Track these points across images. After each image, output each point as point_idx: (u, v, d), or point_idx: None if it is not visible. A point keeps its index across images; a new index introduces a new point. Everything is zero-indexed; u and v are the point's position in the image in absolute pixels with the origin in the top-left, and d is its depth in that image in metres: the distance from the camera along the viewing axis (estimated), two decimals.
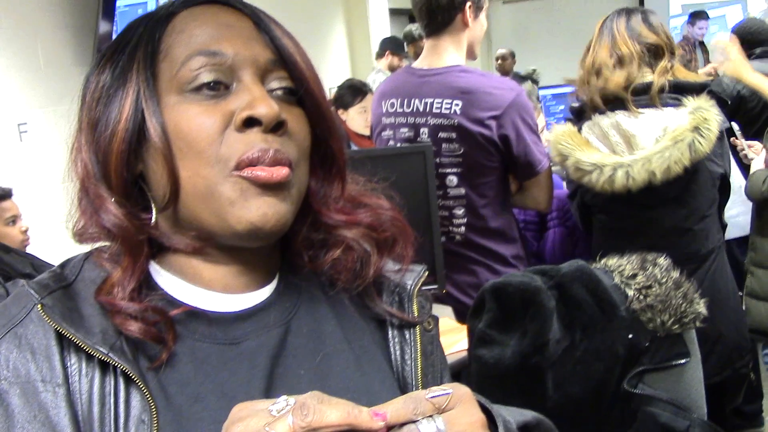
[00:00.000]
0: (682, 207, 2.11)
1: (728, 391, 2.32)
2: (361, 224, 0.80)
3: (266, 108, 0.68)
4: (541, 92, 4.68)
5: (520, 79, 6.32)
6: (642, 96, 2.06)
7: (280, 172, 0.68)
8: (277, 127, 0.70)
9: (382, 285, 0.83)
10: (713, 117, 1.96)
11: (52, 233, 3.49)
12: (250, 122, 0.69)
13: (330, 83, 6.70)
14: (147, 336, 0.68)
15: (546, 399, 1.21)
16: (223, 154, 0.68)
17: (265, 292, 0.77)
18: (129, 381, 0.66)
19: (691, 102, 2.00)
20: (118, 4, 4.08)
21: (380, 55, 5.92)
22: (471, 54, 2.21)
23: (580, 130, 2.15)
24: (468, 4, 2.13)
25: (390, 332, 0.82)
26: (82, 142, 0.73)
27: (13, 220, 2.66)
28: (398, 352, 0.81)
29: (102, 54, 0.75)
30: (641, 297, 1.23)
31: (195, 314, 0.73)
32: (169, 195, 0.70)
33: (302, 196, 0.75)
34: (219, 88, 0.70)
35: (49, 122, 3.94)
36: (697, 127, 1.94)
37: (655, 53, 2.09)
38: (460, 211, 2.15)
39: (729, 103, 3.58)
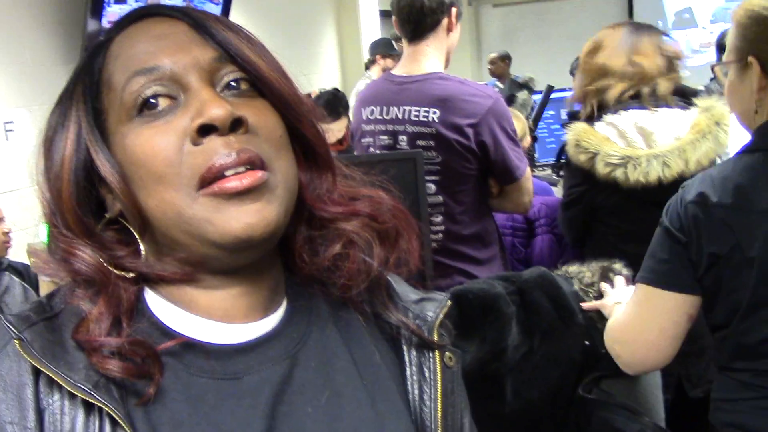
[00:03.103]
0: None
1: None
2: (361, 214, 0.74)
3: (217, 109, 0.62)
4: (533, 97, 4.70)
5: (518, 86, 6.31)
6: (651, 97, 2.10)
7: (251, 176, 0.63)
8: (235, 126, 0.64)
9: (399, 312, 0.76)
10: (728, 114, 2.00)
11: (35, 235, 3.51)
12: (205, 130, 0.63)
13: (321, 86, 6.74)
14: (127, 373, 0.62)
15: (505, 404, 1.23)
16: (185, 173, 0.63)
17: (271, 322, 0.71)
18: (115, 423, 0.60)
19: (702, 102, 2.05)
20: (106, 2, 4.10)
21: (371, 62, 5.86)
22: (448, 61, 2.23)
23: None
24: (454, 8, 2.15)
25: (407, 357, 0.76)
26: (41, 187, 0.69)
27: None
28: (416, 392, 0.74)
29: (60, 95, 0.72)
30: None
31: (191, 346, 0.66)
32: (140, 227, 0.67)
33: (293, 192, 0.68)
34: (162, 103, 0.65)
35: (35, 121, 3.94)
36: (718, 122, 1.98)
37: (668, 66, 2.14)
38: (437, 219, 2.17)
39: None
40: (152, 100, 0.65)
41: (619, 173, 2.01)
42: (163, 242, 0.67)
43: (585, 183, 2.14)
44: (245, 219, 0.62)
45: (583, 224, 2.25)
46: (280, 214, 0.65)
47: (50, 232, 0.69)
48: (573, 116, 2.29)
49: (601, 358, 1.25)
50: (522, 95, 4.83)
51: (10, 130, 3.86)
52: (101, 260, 0.66)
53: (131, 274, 0.67)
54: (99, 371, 0.61)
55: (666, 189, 1.91)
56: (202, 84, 0.65)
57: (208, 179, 0.62)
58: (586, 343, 1.25)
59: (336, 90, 4.21)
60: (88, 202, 0.68)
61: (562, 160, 2.62)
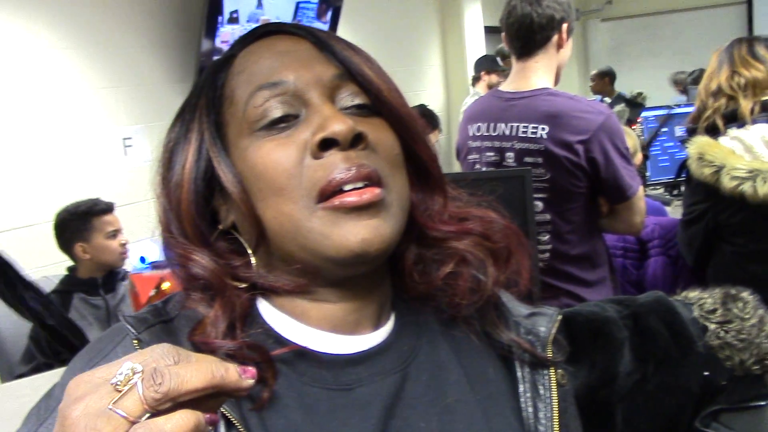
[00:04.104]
0: None
1: None
2: (473, 233, 0.74)
3: (339, 124, 0.64)
4: (643, 113, 4.53)
5: (626, 102, 6.12)
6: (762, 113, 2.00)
7: (370, 192, 0.64)
8: (356, 142, 0.65)
9: (510, 328, 0.76)
10: None
11: (151, 247, 3.68)
12: (326, 144, 0.64)
13: (425, 102, 6.75)
14: None
15: None
16: (305, 186, 0.64)
17: (380, 335, 0.71)
18: (230, 425, 0.60)
19: None
20: (219, 23, 4.27)
21: (476, 79, 5.85)
22: (558, 77, 2.19)
23: None
24: (565, 23, 2.11)
25: (520, 374, 0.74)
26: (160, 197, 0.72)
27: (114, 233, 2.75)
28: (531, 409, 0.73)
29: (181, 108, 0.75)
30: (720, 333, 1.18)
31: (304, 354, 0.67)
32: (255, 239, 0.68)
33: (405, 210, 0.69)
34: (289, 120, 0.67)
35: (151, 137, 4.15)
36: None
37: None
38: (544, 237, 2.12)
39: None
40: (282, 124, 0.67)
41: (746, 187, 1.91)
42: (276, 254, 0.68)
43: (708, 199, 2.05)
44: (362, 234, 0.63)
45: (705, 244, 2.14)
46: (394, 231, 0.66)
47: (165, 240, 0.71)
48: (692, 132, 2.20)
49: (721, 390, 1.17)
50: (618, 107, 4.67)
51: (129, 146, 4.07)
52: (217, 266, 0.67)
53: (243, 285, 0.68)
54: None
55: None
56: (323, 100, 0.67)
57: (327, 193, 0.63)
58: (706, 373, 1.17)
59: (423, 106, 4.27)
60: (204, 212, 0.70)
61: (682, 177, 2.51)
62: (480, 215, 0.76)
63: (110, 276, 2.79)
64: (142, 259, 1.86)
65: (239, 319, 0.66)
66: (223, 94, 0.71)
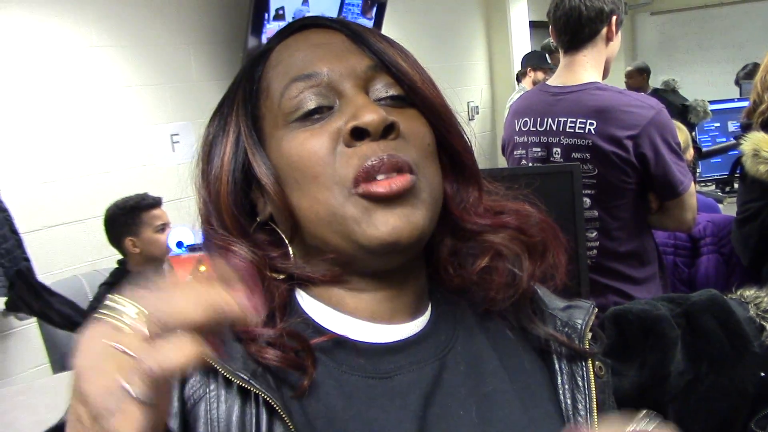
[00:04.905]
0: None
1: None
2: (508, 227, 0.73)
3: (371, 114, 0.64)
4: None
5: (656, 94, 5.98)
6: None
7: (400, 180, 0.64)
8: (387, 132, 0.65)
9: (546, 321, 0.75)
10: None
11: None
12: (358, 134, 0.65)
13: (470, 98, 6.71)
14: (285, 363, 0.63)
15: None
16: (339, 173, 0.65)
17: (418, 324, 0.71)
18: (272, 411, 0.61)
19: None
20: (266, 20, 4.30)
21: (523, 74, 5.80)
22: (607, 71, 2.15)
23: None
24: (614, 16, 2.07)
25: (557, 365, 0.74)
26: (200, 189, 0.73)
27: (162, 228, 2.79)
28: (569, 401, 0.73)
29: (220, 102, 0.76)
30: None
31: (342, 343, 0.68)
32: (291, 229, 0.69)
33: (438, 200, 0.69)
34: (323, 111, 0.68)
35: (198, 133, 4.21)
36: None
37: None
38: (592, 234, 2.09)
39: None
40: (316, 115, 0.67)
41: None
42: (312, 244, 0.69)
43: (763, 197, 1.99)
44: (392, 222, 0.64)
45: (761, 243, 2.09)
46: (425, 220, 0.66)
47: (205, 231, 0.72)
48: (747, 127, 2.15)
49: None
50: None
51: (177, 142, 4.14)
52: (256, 256, 0.68)
53: (282, 276, 0.69)
54: (257, 361, 0.62)
55: None
56: (356, 90, 0.68)
57: (360, 180, 0.64)
58: (762, 374, 1.14)
59: None
60: (243, 204, 0.71)
61: (736, 174, 2.46)
62: (516, 208, 0.75)
63: (159, 269, 2.84)
64: (179, 244, 1.90)
65: (279, 309, 0.67)
66: (260, 87, 0.72)
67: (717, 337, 1.16)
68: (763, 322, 1.18)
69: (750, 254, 2.18)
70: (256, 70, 0.73)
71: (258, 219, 0.72)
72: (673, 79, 6.31)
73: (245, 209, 0.72)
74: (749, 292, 1.27)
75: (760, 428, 1.12)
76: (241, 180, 0.71)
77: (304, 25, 0.75)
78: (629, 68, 7.23)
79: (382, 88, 0.69)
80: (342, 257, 0.67)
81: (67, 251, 3.61)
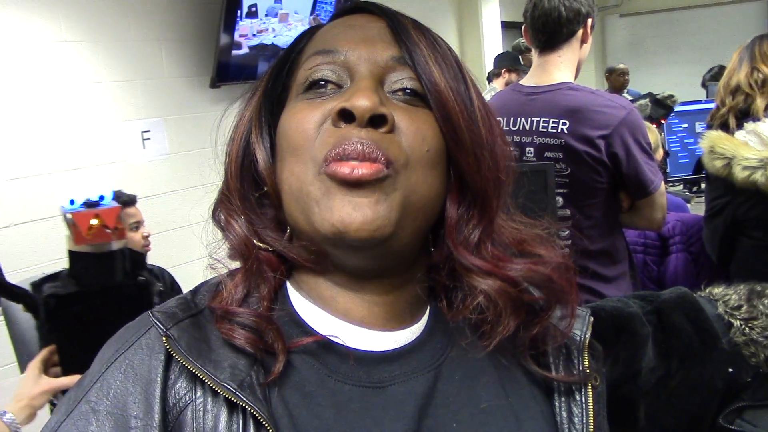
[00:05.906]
0: None
1: None
2: (499, 276, 0.68)
3: (362, 99, 0.62)
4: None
5: (653, 101, 6.03)
6: None
7: (367, 167, 0.61)
8: (377, 123, 0.63)
9: (546, 330, 0.73)
10: None
11: (172, 239, 3.70)
12: (346, 116, 0.63)
13: None
14: (252, 346, 0.62)
15: (637, 430, 1.17)
16: (316, 149, 0.63)
17: (414, 331, 0.69)
18: (259, 425, 0.59)
19: None
20: (238, 17, 4.27)
21: (496, 75, 5.80)
22: (578, 72, 2.17)
23: None
24: (590, 18, 2.10)
25: (555, 391, 0.73)
26: (225, 162, 0.73)
27: (137, 225, 2.77)
28: (565, 414, 0.72)
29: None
30: (746, 330, 1.17)
31: (329, 346, 0.66)
32: (273, 197, 0.69)
33: (419, 209, 0.65)
34: (328, 87, 0.67)
35: (169, 130, 4.15)
36: None
37: None
38: (564, 233, 2.11)
39: None
40: (321, 83, 0.67)
41: (758, 176, 1.90)
42: (289, 222, 0.68)
43: (727, 193, 2.04)
44: (346, 209, 0.61)
45: (726, 238, 2.13)
46: (385, 220, 0.61)
47: (219, 198, 0.72)
48: (711, 128, 2.20)
49: (745, 386, 1.16)
50: (641, 101, 4.61)
51: (147, 139, 4.08)
52: (248, 234, 0.69)
53: (268, 248, 0.69)
54: (243, 371, 0.61)
55: None
56: (368, 76, 0.66)
57: (330, 159, 0.62)
58: (730, 370, 1.16)
59: None
60: (250, 175, 0.71)
61: (702, 174, 2.52)
62: (537, 257, 0.71)
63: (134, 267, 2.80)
64: (72, 202, 1.96)
65: (266, 299, 0.66)
66: (298, 59, 0.73)
67: (687, 333, 1.18)
68: (731, 319, 1.20)
69: (717, 250, 2.23)
70: (301, 43, 0.74)
71: (264, 189, 0.71)
72: (672, 96, 6.42)
73: (252, 180, 0.71)
74: (718, 290, 1.29)
75: (728, 423, 1.15)
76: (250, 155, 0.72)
77: (355, 8, 0.74)
78: (610, 66, 7.31)
79: (399, 80, 0.67)
80: (312, 244, 0.66)
81: (35, 249, 3.55)
